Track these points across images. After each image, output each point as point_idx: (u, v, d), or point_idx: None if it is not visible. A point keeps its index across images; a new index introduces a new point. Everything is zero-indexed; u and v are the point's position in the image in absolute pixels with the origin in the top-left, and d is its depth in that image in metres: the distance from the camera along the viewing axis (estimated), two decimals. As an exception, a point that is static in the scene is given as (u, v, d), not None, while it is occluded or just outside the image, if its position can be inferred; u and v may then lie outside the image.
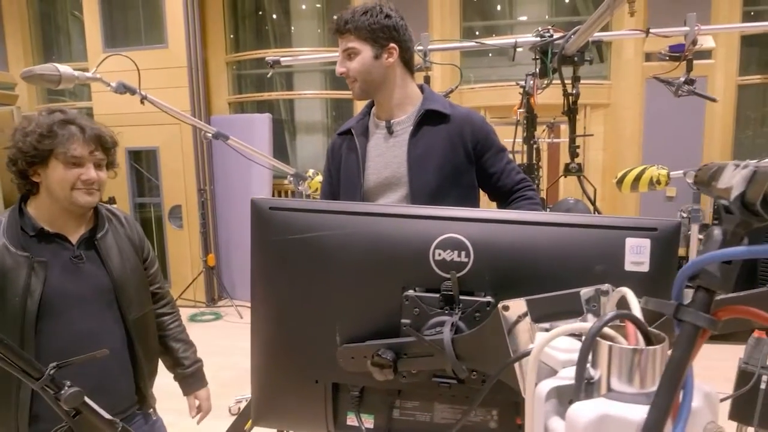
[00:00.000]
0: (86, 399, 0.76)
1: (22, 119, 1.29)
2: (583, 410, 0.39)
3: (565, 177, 2.30)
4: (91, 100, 5.37)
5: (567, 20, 5.21)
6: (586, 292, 0.57)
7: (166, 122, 4.66)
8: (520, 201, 1.49)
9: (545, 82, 2.20)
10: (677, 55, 2.98)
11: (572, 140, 2.24)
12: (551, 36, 2.13)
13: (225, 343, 4.08)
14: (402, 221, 0.75)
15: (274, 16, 5.86)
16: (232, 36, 5.79)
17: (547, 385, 0.44)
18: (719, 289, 0.33)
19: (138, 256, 1.41)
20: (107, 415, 0.79)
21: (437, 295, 0.71)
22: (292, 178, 2.97)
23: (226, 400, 3.23)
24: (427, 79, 2.53)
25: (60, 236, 1.28)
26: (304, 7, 5.81)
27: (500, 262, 0.71)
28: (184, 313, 5.17)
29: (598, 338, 0.42)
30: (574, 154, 2.22)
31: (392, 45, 1.46)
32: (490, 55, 5.08)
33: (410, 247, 0.73)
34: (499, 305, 0.61)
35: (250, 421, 1.79)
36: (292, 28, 5.84)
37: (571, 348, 0.51)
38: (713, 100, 2.38)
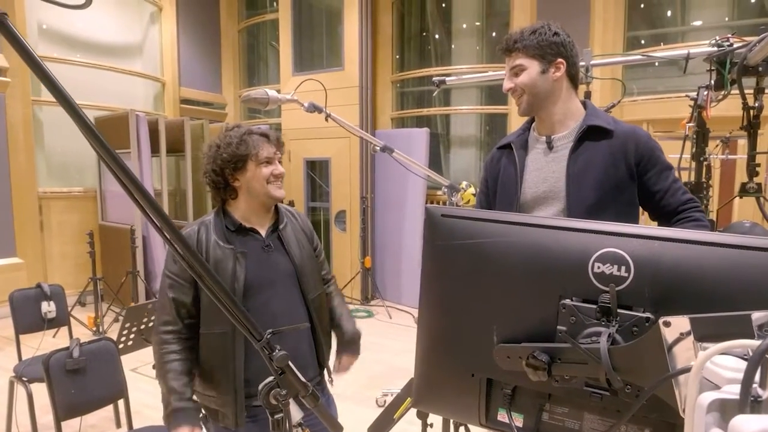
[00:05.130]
0: (289, 362, 0.96)
1: (207, 145, 1.54)
2: (748, 422, 0.40)
3: (741, 198, 2.02)
4: (280, 116, 6.27)
5: (752, 23, 4.45)
6: (759, 316, 0.56)
7: (337, 136, 5.22)
8: (686, 222, 1.40)
9: (721, 94, 1.96)
10: None
11: (752, 158, 1.96)
12: (731, 45, 1.89)
13: (375, 339, 4.19)
14: (562, 233, 0.80)
15: (437, 36, 6.12)
16: (398, 56, 6.22)
17: (710, 396, 0.45)
18: None
19: (310, 245, 1.64)
20: (303, 378, 0.98)
21: (594, 306, 0.74)
22: (446, 189, 3.12)
23: (374, 392, 3.40)
24: (588, 95, 2.44)
25: (253, 230, 1.51)
26: (464, 26, 5.97)
27: (663, 279, 0.71)
28: (341, 308, 5.69)
29: None
30: (753, 172, 1.94)
31: (560, 60, 1.48)
32: (657, 64, 4.60)
33: (569, 258, 0.77)
34: (660, 320, 0.62)
35: (399, 411, 1.94)
36: (453, 46, 6.03)
37: (736, 367, 0.51)
38: None
